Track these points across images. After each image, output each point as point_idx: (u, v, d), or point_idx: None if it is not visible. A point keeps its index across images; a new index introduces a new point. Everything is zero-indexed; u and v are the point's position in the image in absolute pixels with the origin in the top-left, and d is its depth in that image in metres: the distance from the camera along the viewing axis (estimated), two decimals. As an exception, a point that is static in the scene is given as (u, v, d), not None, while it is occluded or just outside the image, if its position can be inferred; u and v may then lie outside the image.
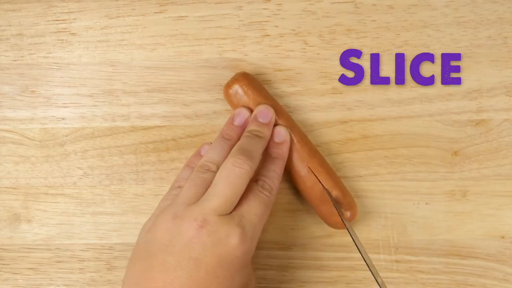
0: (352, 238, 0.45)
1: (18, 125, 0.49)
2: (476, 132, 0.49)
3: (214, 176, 0.42)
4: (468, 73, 0.49)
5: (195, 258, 0.39)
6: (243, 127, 0.46)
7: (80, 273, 0.49)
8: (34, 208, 0.49)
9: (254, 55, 0.49)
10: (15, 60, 0.50)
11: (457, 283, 0.48)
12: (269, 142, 0.45)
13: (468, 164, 0.49)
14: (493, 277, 0.48)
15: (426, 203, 0.49)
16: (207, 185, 0.42)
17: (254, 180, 0.43)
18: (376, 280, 0.43)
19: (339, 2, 0.49)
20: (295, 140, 0.46)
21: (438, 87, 0.49)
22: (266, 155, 0.45)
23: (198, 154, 0.47)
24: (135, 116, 0.49)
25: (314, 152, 0.47)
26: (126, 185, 0.49)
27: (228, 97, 0.47)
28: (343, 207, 0.46)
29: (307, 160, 0.46)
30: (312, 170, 0.46)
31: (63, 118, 0.49)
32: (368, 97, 0.49)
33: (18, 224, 0.49)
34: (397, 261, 0.48)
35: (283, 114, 0.47)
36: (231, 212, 0.40)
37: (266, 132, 0.45)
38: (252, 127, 0.45)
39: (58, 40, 0.50)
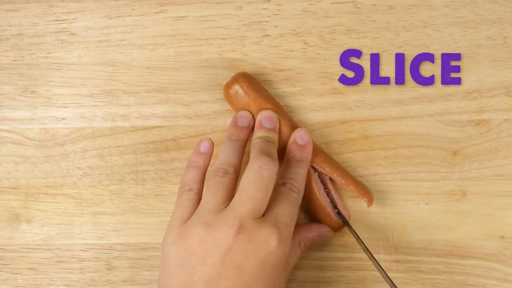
0: (356, 239, 0.45)
1: (18, 125, 0.49)
2: (476, 132, 0.49)
3: (233, 179, 0.42)
4: (468, 73, 0.49)
5: (237, 266, 0.38)
6: (248, 128, 0.46)
7: (80, 273, 0.49)
8: (34, 208, 0.49)
9: (254, 55, 0.49)
10: (15, 60, 0.50)
11: (457, 283, 0.48)
12: (292, 145, 0.45)
13: (468, 164, 0.49)
14: (493, 277, 0.48)
15: (426, 203, 0.49)
16: (230, 188, 0.41)
17: (281, 183, 0.43)
18: (390, 280, 0.43)
19: (339, 2, 0.49)
20: None
21: (438, 87, 0.49)
22: (290, 158, 0.45)
23: (197, 152, 0.46)
24: (135, 116, 0.49)
25: (317, 150, 0.47)
26: (126, 185, 0.49)
27: (228, 97, 0.47)
28: (359, 196, 0.47)
29: (312, 161, 0.46)
30: (318, 170, 0.46)
31: (63, 118, 0.49)
32: (368, 97, 0.49)
33: (18, 224, 0.49)
34: (397, 261, 0.48)
35: (284, 114, 0.47)
36: (263, 215, 0.40)
37: (275, 137, 0.45)
38: (260, 133, 0.45)
39: (58, 40, 0.50)
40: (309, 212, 0.48)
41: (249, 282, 0.38)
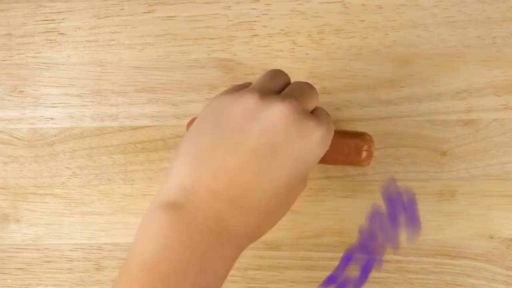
0: None
1: (7, 125, 0.49)
2: (465, 132, 0.49)
3: (287, 81, 0.39)
4: (457, 73, 0.49)
5: (273, 147, 0.35)
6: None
7: (69, 273, 0.49)
8: (23, 208, 0.49)
9: (243, 55, 0.49)
10: (3, 60, 0.50)
11: (446, 283, 0.48)
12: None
13: (457, 164, 0.49)
14: (482, 277, 0.48)
15: (415, 203, 0.49)
16: (285, 84, 0.39)
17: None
18: None
19: (327, 2, 0.49)
20: None
21: (427, 87, 0.49)
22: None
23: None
24: (124, 116, 0.49)
25: None
26: (115, 185, 0.49)
27: None
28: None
29: None
30: None
31: (51, 118, 0.49)
32: (357, 97, 0.49)
33: (7, 224, 0.49)
34: (386, 261, 0.48)
35: None
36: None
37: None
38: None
39: (47, 40, 0.50)
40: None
41: (279, 168, 0.36)
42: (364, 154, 0.44)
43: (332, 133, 0.39)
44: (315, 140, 0.36)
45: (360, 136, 0.44)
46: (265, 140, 0.35)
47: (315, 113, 0.38)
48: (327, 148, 0.38)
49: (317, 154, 0.37)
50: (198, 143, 0.36)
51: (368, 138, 0.44)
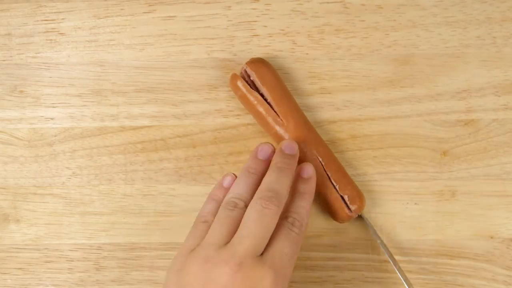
0: (372, 232, 0.46)
1: (7, 125, 0.49)
2: (465, 132, 0.49)
3: (242, 213, 0.42)
4: (457, 73, 0.49)
5: None
6: (267, 161, 0.45)
7: (68, 273, 0.49)
8: (23, 208, 0.49)
9: (243, 55, 0.49)
10: (3, 60, 0.50)
11: (446, 283, 0.48)
12: (296, 178, 0.45)
13: (457, 164, 0.49)
14: (482, 277, 0.48)
15: (415, 203, 0.49)
16: (236, 223, 0.41)
17: (284, 217, 0.42)
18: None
19: (327, 2, 0.49)
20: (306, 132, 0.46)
21: (426, 87, 0.49)
22: (294, 191, 0.45)
23: (220, 186, 0.46)
24: (124, 116, 0.49)
25: (318, 143, 0.47)
26: (115, 185, 0.49)
27: (235, 87, 0.47)
28: (349, 203, 0.46)
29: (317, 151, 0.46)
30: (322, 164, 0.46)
31: (51, 118, 0.49)
32: (357, 97, 0.49)
33: (7, 224, 0.49)
34: (386, 261, 0.48)
35: (298, 110, 0.47)
36: (262, 253, 0.40)
37: (293, 163, 0.44)
38: (278, 159, 0.44)
39: (47, 40, 0.50)
40: (321, 202, 0.48)
41: None
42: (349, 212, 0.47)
43: (287, 268, 0.41)
44: (268, 283, 0.39)
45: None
46: None
47: (268, 253, 0.40)
48: (283, 285, 0.40)
49: None
50: None
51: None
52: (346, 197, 0.46)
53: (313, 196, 0.45)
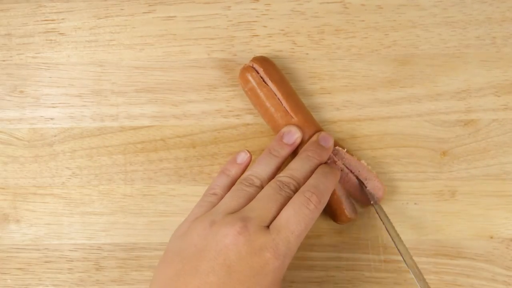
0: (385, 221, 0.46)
1: (7, 125, 0.49)
2: (465, 132, 0.49)
3: (257, 192, 0.42)
4: (457, 73, 0.49)
5: (228, 265, 0.38)
6: (292, 146, 0.45)
7: (68, 273, 0.49)
8: (23, 208, 0.49)
9: (243, 55, 0.49)
10: (3, 60, 0.50)
11: (446, 283, 0.48)
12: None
13: (456, 164, 0.49)
14: (482, 277, 0.48)
15: (415, 203, 0.49)
16: (249, 199, 0.41)
17: (303, 191, 0.41)
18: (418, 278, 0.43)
19: (327, 2, 0.49)
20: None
21: (427, 87, 0.49)
22: (319, 169, 0.44)
23: (233, 161, 0.46)
24: (124, 116, 0.49)
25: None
26: (115, 185, 0.49)
27: (246, 80, 0.47)
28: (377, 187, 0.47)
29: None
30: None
31: (51, 118, 0.49)
32: (357, 97, 0.49)
33: (7, 224, 0.49)
34: (385, 261, 0.48)
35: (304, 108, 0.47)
36: (269, 225, 0.40)
37: (324, 156, 0.45)
38: (310, 147, 0.44)
39: (46, 40, 0.50)
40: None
41: (237, 285, 0.38)
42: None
43: (292, 244, 0.40)
44: (267, 256, 0.39)
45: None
46: (220, 261, 0.38)
47: (274, 225, 0.40)
48: (283, 261, 0.39)
49: (275, 267, 0.39)
50: (166, 272, 0.40)
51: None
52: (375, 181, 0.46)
53: (337, 181, 0.44)
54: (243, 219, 0.39)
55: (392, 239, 0.45)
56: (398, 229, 0.48)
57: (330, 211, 0.47)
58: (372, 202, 0.46)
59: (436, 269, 0.48)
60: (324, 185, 0.42)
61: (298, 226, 0.40)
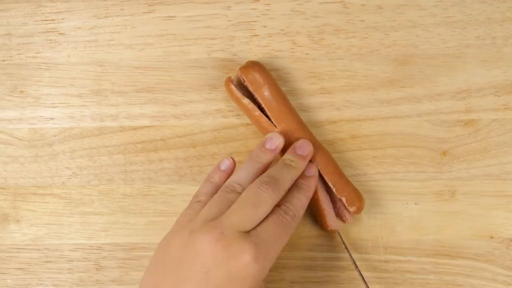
0: (343, 242, 0.46)
1: (7, 125, 0.49)
2: (465, 132, 0.49)
3: (238, 197, 0.42)
4: (457, 73, 0.49)
5: (205, 272, 0.39)
6: (274, 152, 0.45)
7: (68, 273, 0.49)
8: (23, 208, 0.49)
9: (243, 55, 0.49)
10: (3, 60, 0.50)
11: (446, 283, 0.48)
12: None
13: (457, 164, 0.49)
14: (482, 277, 0.48)
15: (415, 203, 0.49)
16: (229, 205, 0.41)
17: (278, 205, 0.42)
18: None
19: (327, 2, 0.49)
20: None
21: (426, 87, 0.49)
22: (293, 185, 0.44)
23: (217, 169, 0.46)
24: (124, 116, 0.49)
25: (321, 148, 0.47)
26: (115, 185, 0.49)
27: (231, 90, 0.47)
28: (347, 205, 0.46)
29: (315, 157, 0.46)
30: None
31: (51, 118, 0.49)
32: (357, 97, 0.49)
33: (7, 224, 0.49)
34: (386, 261, 0.48)
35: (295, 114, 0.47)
36: (249, 231, 0.40)
37: (301, 165, 0.44)
38: (288, 156, 0.45)
39: (46, 40, 0.50)
40: (311, 209, 0.48)
41: None
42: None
43: (272, 248, 0.40)
44: (246, 259, 0.39)
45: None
46: (197, 268, 0.39)
47: (252, 233, 0.40)
48: (264, 264, 0.40)
49: (254, 270, 0.39)
50: (149, 282, 0.41)
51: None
52: (343, 199, 0.46)
53: (311, 194, 0.45)
54: (220, 226, 0.40)
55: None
56: (398, 229, 0.49)
57: (319, 219, 0.47)
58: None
59: (436, 269, 0.48)
60: (299, 201, 0.43)
61: (277, 233, 0.41)
